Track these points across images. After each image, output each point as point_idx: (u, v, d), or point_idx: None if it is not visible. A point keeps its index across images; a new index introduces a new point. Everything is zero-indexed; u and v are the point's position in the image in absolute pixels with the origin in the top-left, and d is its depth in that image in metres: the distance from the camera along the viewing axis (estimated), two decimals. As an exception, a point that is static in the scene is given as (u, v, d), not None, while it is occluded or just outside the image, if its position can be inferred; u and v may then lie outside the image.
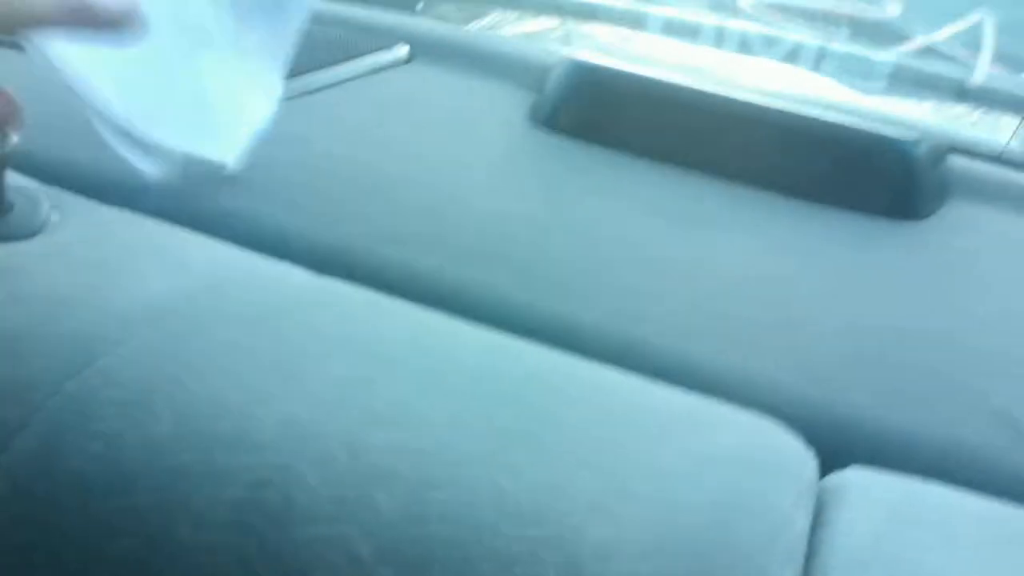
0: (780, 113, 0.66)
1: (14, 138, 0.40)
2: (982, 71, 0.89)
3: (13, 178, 0.45)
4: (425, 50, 0.85)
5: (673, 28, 0.93)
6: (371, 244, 0.51)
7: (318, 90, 0.73)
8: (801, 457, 0.34)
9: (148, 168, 0.52)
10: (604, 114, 0.71)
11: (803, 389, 0.42)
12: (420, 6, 1.40)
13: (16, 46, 0.35)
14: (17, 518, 0.29)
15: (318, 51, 0.79)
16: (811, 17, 0.94)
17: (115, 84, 0.50)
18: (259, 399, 0.32)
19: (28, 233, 0.42)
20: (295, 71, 0.73)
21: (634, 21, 0.96)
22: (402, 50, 0.84)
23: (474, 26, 1.13)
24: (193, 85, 0.59)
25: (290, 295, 0.40)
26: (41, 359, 0.33)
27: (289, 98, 0.70)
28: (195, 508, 0.28)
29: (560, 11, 1.02)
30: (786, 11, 0.95)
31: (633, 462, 0.31)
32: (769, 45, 0.87)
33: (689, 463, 0.31)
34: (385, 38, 0.86)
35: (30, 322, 0.35)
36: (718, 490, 0.30)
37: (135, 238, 0.43)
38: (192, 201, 0.53)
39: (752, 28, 0.89)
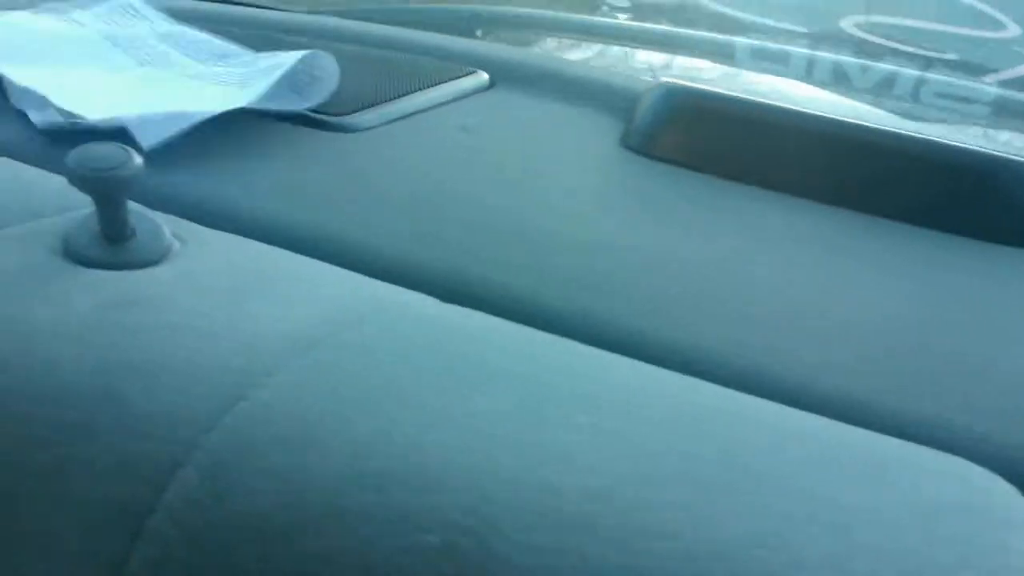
0: (897, 137, 0.64)
1: (138, 159, 0.38)
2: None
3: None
4: (505, 76, 0.84)
5: (761, 56, 0.91)
6: (474, 272, 0.49)
7: (400, 118, 0.71)
8: (1020, 505, 0.30)
9: (39, 120, 0.60)
10: (703, 139, 0.69)
11: (997, 431, 0.39)
12: (479, 33, 1.39)
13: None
14: (188, 563, 0.26)
15: (397, 79, 0.78)
16: (921, 39, 0.91)
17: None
18: (431, 436, 0.29)
19: (152, 260, 0.39)
20: (376, 99, 0.72)
21: (720, 51, 0.94)
22: (482, 76, 0.83)
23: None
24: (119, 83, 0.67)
25: (432, 325, 0.38)
26: (191, 392, 0.31)
27: (371, 127, 0.68)
28: (383, 555, 0.25)
29: (635, 39, 1.00)
30: (894, 33, 0.93)
31: (855, 513, 0.27)
32: (863, 72, 0.85)
33: (912, 512, 0.28)
34: (463, 64, 0.84)
35: (172, 353, 0.33)
36: (952, 542, 0.27)
37: (260, 266, 0.41)
38: (287, 226, 0.51)
39: (844, 56, 0.87)
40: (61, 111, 0.60)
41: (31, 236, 0.39)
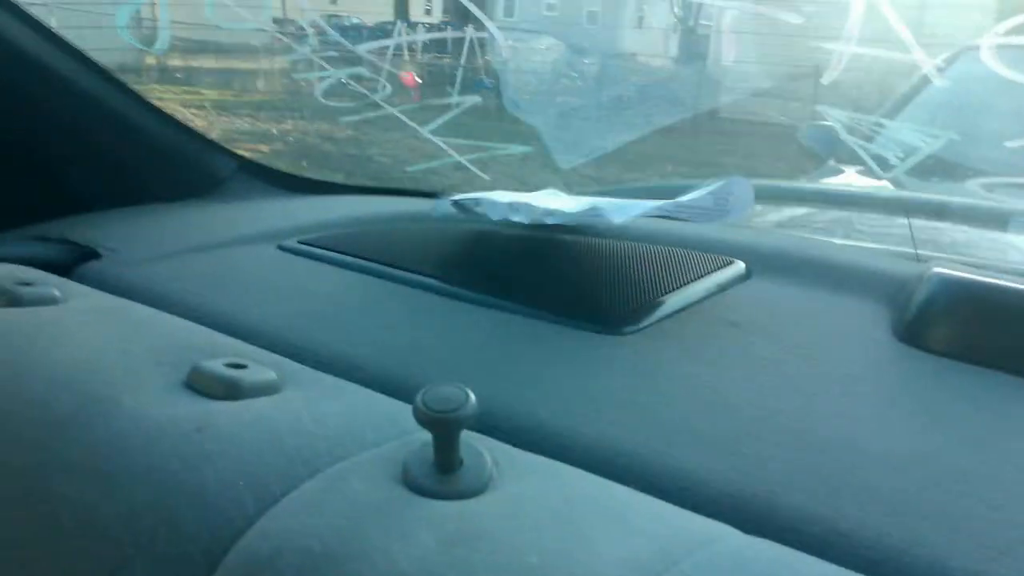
0: None
1: (473, 399, 0.42)
2: None
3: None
4: (762, 265, 0.85)
5: None
6: (770, 494, 0.48)
7: (665, 318, 0.73)
8: None
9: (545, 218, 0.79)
10: (983, 332, 0.66)
11: None
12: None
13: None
14: None
15: (658, 274, 0.80)
16: None
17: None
18: None
19: (479, 488, 0.42)
20: (640, 298, 0.74)
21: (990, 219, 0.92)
22: (739, 266, 0.84)
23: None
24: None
25: (745, 561, 0.38)
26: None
27: (640, 329, 0.71)
28: None
29: (893, 208, 0.99)
30: None
31: None
32: None
33: None
34: (717, 253, 0.86)
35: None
36: None
37: (578, 493, 0.43)
38: (583, 443, 0.53)
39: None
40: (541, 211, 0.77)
41: (374, 464, 0.43)
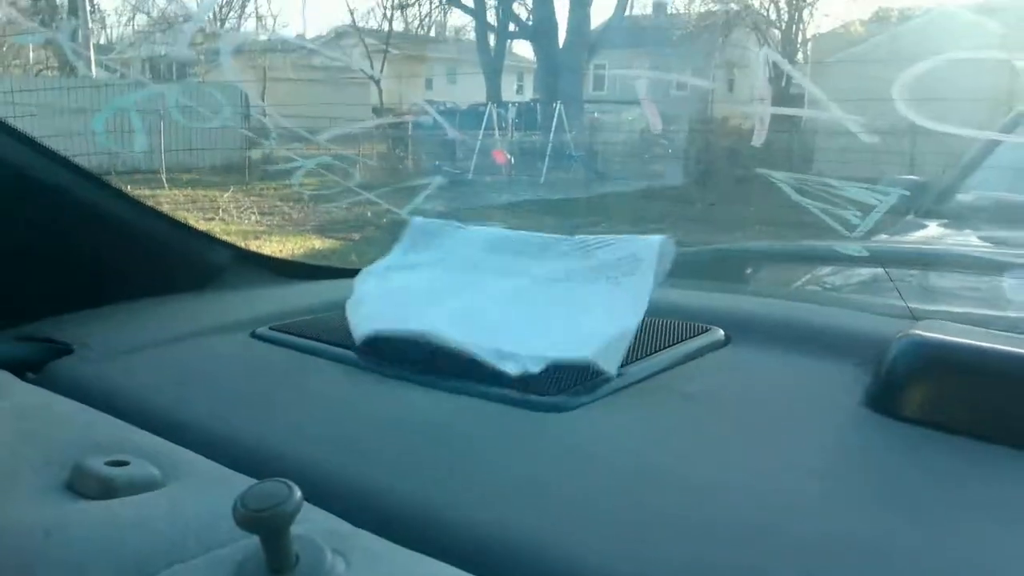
0: None
1: (298, 494, 0.40)
2: None
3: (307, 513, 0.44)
4: (743, 331, 0.81)
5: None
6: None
7: (637, 382, 0.70)
8: None
9: (510, 369, 0.68)
10: (960, 398, 0.61)
11: None
12: (749, 271, 1.37)
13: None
14: None
15: (636, 339, 0.77)
16: None
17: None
18: None
19: (312, 588, 0.40)
20: (592, 376, 0.70)
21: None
22: (717, 334, 0.80)
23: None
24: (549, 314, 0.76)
25: None
26: None
27: (607, 395, 0.67)
28: None
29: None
30: None
31: None
32: None
33: None
34: (701, 321, 0.82)
35: None
36: None
37: None
38: (461, 525, 0.51)
39: None
40: (519, 357, 0.69)
41: (206, 568, 0.42)
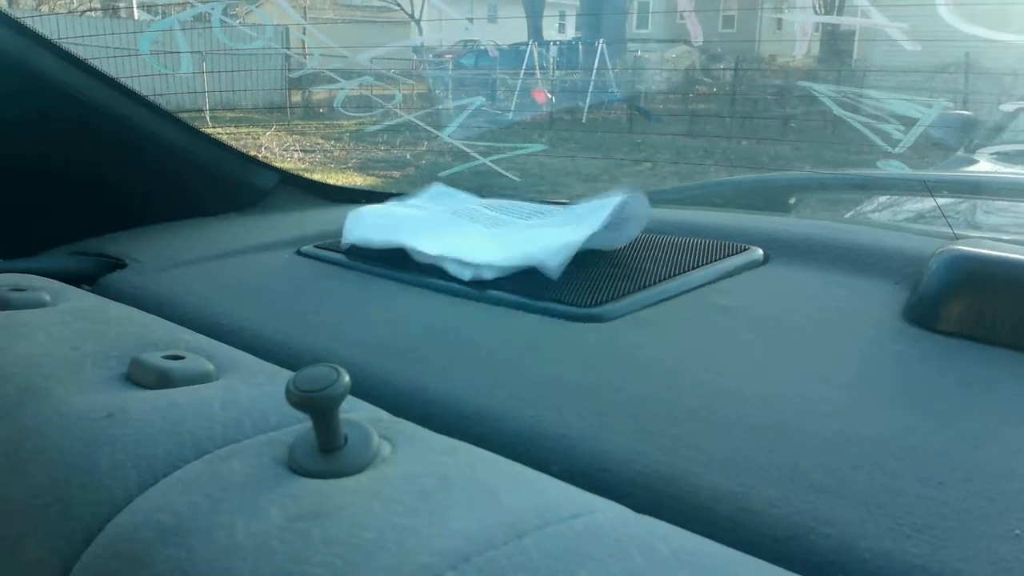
0: None
1: (346, 378, 0.41)
2: None
3: (352, 403, 0.46)
4: (781, 251, 0.81)
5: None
6: (665, 468, 0.46)
7: (674, 297, 0.71)
8: None
9: (464, 275, 0.75)
10: (999, 310, 0.61)
11: None
12: (792, 200, 1.37)
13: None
14: None
15: (666, 261, 0.78)
16: None
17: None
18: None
19: (359, 467, 0.42)
20: (635, 286, 0.72)
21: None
22: (755, 253, 0.81)
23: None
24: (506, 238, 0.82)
25: (616, 538, 0.36)
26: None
27: (643, 307, 0.69)
28: None
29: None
30: None
31: None
32: None
33: None
34: (740, 242, 0.83)
35: (343, 567, 0.34)
36: None
37: (460, 470, 0.42)
38: (501, 420, 0.52)
39: None
40: (475, 265, 0.75)
41: (262, 447, 0.44)
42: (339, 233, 0.93)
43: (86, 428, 0.46)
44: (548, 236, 0.78)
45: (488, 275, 0.74)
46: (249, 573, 0.36)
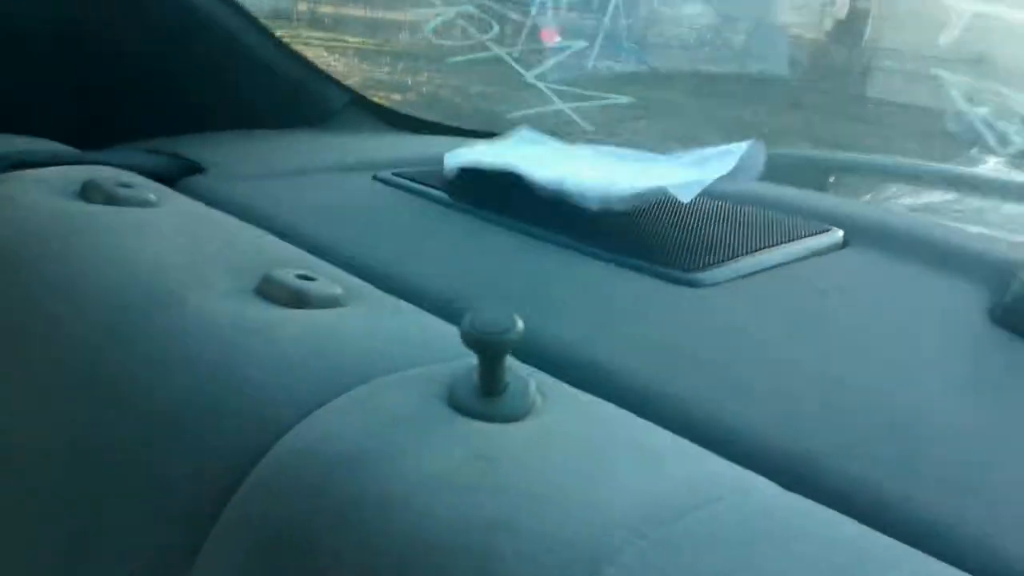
0: None
1: (521, 324, 0.42)
2: None
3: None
4: (860, 235, 0.82)
5: None
6: (824, 459, 0.47)
7: (750, 275, 0.71)
8: None
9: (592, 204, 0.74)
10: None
11: None
12: (831, 179, 1.37)
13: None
14: None
15: (750, 234, 0.78)
16: None
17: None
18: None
19: (519, 415, 0.42)
20: (727, 255, 0.72)
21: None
22: (836, 234, 0.81)
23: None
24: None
25: (776, 516, 0.37)
26: (548, 562, 0.33)
27: (720, 283, 0.69)
28: None
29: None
30: None
31: None
32: None
33: None
34: (819, 221, 0.83)
35: (535, 514, 0.35)
36: None
37: (614, 431, 0.43)
38: (620, 376, 0.53)
39: None
40: (603, 195, 0.75)
41: (420, 381, 0.44)
42: (413, 162, 0.92)
43: (234, 340, 0.47)
44: (676, 172, 0.78)
45: (619, 206, 0.74)
46: (423, 508, 0.36)
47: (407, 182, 0.86)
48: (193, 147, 0.89)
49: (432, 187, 0.84)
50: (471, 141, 1.01)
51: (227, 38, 0.96)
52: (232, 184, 0.81)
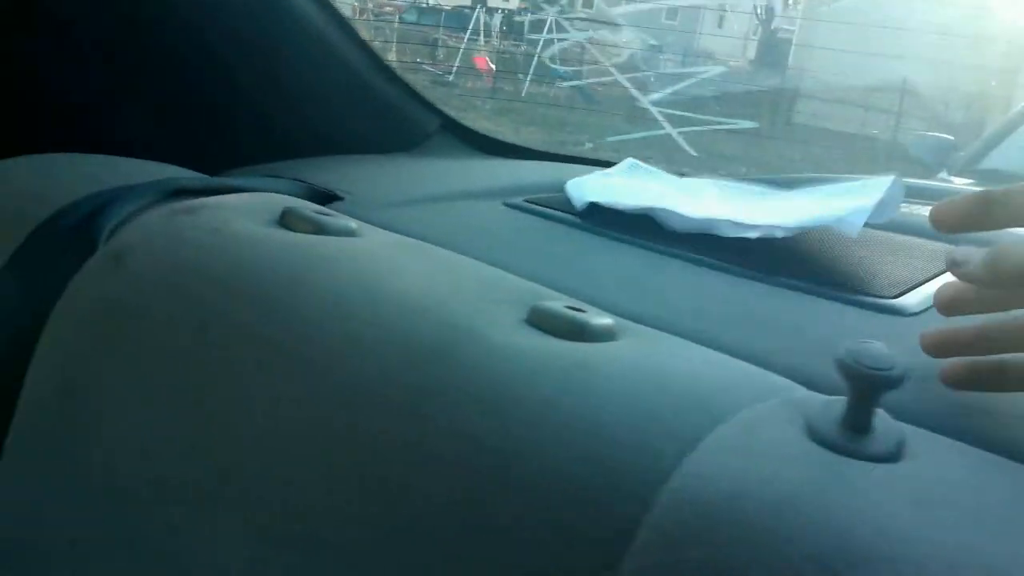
0: None
1: (903, 365, 0.40)
2: None
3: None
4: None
5: None
6: None
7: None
8: None
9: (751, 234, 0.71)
10: None
11: None
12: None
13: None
14: None
15: (917, 261, 0.76)
16: None
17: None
18: None
19: (890, 455, 0.40)
20: (917, 280, 0.70)
21: None
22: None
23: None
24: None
25: None
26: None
27: (920, 312, 0.67)
28: None
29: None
30: None
31: None
32: None
33: None
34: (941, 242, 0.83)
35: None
36: None
37: (992, 479, 0.41)
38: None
39: None
40: (759, 225, 0.71)
41: (777, 415, 0.42)
42: (528, 188, 0.90)
43: (559, 377, 0.44)
44: (829, 203, 0.75)
45: (779, 234, 0.71)
46: (811, 546, 0.35)
47: (541, 208, 0.84)
48: (305, 173, 0.86)
49: (566, 212, 0.82)
50: (570, 167, 0.99)
51: (326, 55, 0.93)
52: (371, 211, 0.78)
